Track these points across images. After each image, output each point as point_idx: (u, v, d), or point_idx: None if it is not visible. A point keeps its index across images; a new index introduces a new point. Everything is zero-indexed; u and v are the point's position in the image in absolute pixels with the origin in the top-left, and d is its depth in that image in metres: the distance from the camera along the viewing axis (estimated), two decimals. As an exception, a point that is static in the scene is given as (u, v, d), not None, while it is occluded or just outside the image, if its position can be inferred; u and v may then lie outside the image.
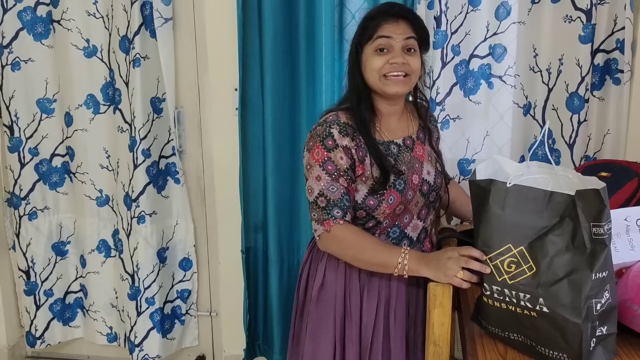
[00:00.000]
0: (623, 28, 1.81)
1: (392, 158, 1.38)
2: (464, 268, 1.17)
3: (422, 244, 1.46)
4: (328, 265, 1.42)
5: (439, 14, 1.89)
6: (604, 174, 1.67)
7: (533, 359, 1.11)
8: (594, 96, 1.90)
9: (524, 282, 1.07)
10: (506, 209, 1.11)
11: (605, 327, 1.05)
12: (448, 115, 2.00)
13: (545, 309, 1.04)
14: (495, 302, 1.12)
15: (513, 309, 1.10)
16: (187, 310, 2.38)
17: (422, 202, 1.41)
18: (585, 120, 1.89)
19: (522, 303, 1.07)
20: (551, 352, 1.06)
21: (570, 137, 1.91)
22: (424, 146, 1.46)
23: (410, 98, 1.47)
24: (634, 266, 1.20)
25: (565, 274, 1.02)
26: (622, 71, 1.84)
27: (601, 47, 1.86)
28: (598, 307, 1.01)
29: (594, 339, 1.02)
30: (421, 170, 1.41)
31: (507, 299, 1.10)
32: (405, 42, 1.34)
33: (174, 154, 2.21)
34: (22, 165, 2.27)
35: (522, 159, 2.01)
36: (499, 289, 1.10)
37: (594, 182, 1.03)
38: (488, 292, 1.13)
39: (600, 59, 1.87)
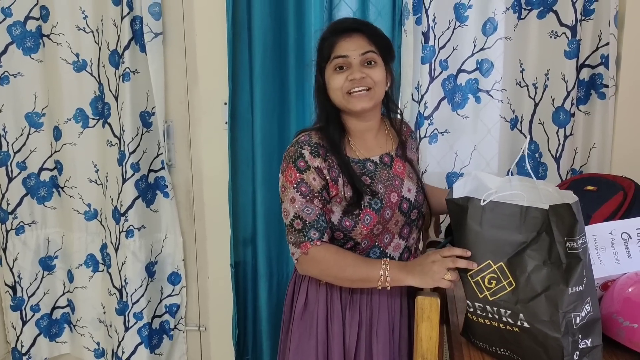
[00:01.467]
0: (607, 44, 1.84)
1: (368, 176, 1.36)
2: (449, 269, 1.17)
3: None
4: (310, 285, 1.42)
5: (427, 29, 1.91)
6: (589, 187, 1.68)
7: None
8: (580, 110, 1.92)
9: (504, 298, 1.07)
10: (484, 225, 1.11)
11: (590, 340, 1.05)
12: (436, 129, 2.01)
13: (526, 324, 1.05)
14: (479, 319, 1.13)
15: (496, 325, 1.10)
16: (175, 325, 2.36)
17: (402, 221, 1.39)
18: (571, 134, 1.91)
19: (504, 319, 1.08)
20: None
21: (557, 150, 1.93)
22: (404, 163, 1.45)
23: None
24: (620, 279, 1.20)
25: (542, 289, 1.03)
26: (607, 86, 1.86)
27: (586, 62, 1.89)
28: (577, 321, 1.01)
29: (577, 352, 1.03)
30: (401, 188, 1.40)
31: (490, 315, 1.10)
32: (362, 57, 1.33)
33: (163, 167, 2.21)
34: (10, 180, 2.26)
35: (510, 173, 2.02)
36: (481, 305, 1.11)
37: (569, 197, 1.04)
38: (472, 309, 1.13)
39: (585, 74, 1.90)
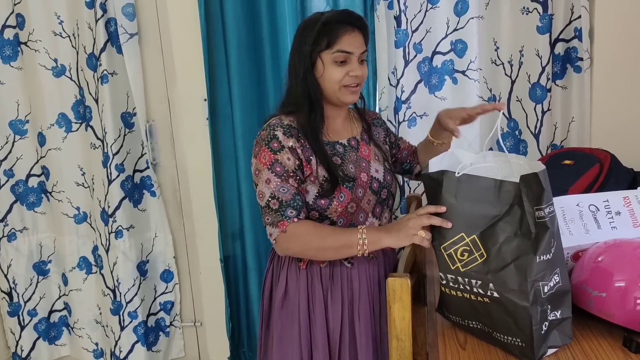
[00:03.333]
0: (580, 17, 1.83)
1: (338, 157, 1.39)
2: (424, 228, 1.19)
3: None
4: (289, 273, 1.43)
5: (398, 13, 1.91)
6: (567, 161, 1.69)
7: (492, 346, 1.12)
8: (557, 85, 1.92)
9: (475, 269, 1.08)
10: (459, 198, 1.13)
11: (560, 312, 1.06)
12: (414, 112, 2.02)
13: (495, 294, 1.06)
14: (452, 291, 1.14)
15: (468, 297, 1.11)
16: (171, 322, 2.38)
17: (374, 200, 1.42)
18: (549, 110, 1.91)
19: (475, 290, 1.09)
20: (506, 337, 1.07)
21: (536, 127, 1.94)
22: (369, 146, 1.48)
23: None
24: (590, 249, 1.21)
25: (512, 259, 1.04)
26: (582, 59, 1.86)
27: (560, 37, 1.89)
28: (546, 290, 1.03)
29: (546, 323, 1.04)
30: (369, 169, 1.42)
31: (462, 286, 1.11)
32: (360, 55, 1.38)
33: (148, 167, 2.23)
34: (-2, 188, 2.29)
35: (485, 149, 2.02)
36: (453, 277, 1.12)
37: (537, 166, 1.05)
38: (444, 281, 1.15)
39: (560, 48, 1.90)
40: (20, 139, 2.27)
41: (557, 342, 1.07)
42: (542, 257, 1.02)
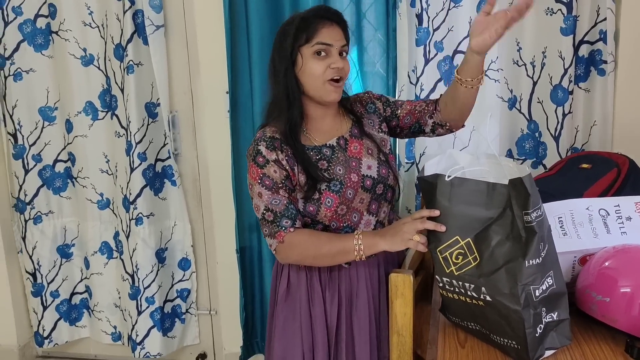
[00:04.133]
0: (605, 19, 1.80)
1: (325, 161, 1.38)
2: (419, 232, 1.19)
3: None
4: (291, 270, 1.46)
5: (420, 11, 1.91)
6: (584, 165, 1.66)
7: (491, 347, 1.12)
8: (580, 88, 1.89)
9: (468, 272, 1.08)
10: (452, 201, 1.12)
11: (556, 313, 1.06)
12: (433, 111, 2.01)
13: (488, 298, 1.06)
14: (448, 293, 1.14)
15: (463, 299, 1.11)
16: (187, 309, 2.43)
17: (368, 198, 1.41)
18: (570, 112, 1.88)
19: (469, 293, 1.09)
20: (502, 339, 1.07)
21: (556, 129, 1.91)
22: (361, 141, 1.45)
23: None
24: (597, 254, 1.20)
25: (503, 263, 1.04)
26: (606, 62, 1.83)
27: (585, 39, 1.86)
28: (537, 294, 1.02)
29: (541, 326, 1.03)
30: (359, 168, 1.40)
31: (457, 289, 1.12)
32: (341, 48, 1.37)
33: (169, 156, 2.28)
34: (27, 172, 2.37)
35: (510, 153, 2.01)
36: (448, 280, 1.12)
37: (523, 170, 1.05)
38: (441, 284, 1.15)
39: (584, 50, 1.87)
40: (48, 125, 2.34)
41: (555, 343, 1.06)
42: (531, 262, 1.01)
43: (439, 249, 1.14)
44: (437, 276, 1.15)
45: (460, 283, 1.10)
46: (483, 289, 1.06)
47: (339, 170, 1.38)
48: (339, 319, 1.43)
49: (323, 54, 1.35)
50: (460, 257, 1.10)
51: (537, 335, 1.03)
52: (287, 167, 1.34)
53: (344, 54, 1.39)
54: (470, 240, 1.09)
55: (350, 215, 1.39)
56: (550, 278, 1.04)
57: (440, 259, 1.13)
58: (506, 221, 1.05)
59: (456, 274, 1.10)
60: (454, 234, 1.12)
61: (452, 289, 1.13)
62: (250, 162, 1.36)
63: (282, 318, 1.46)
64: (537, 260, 1.01)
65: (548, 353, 1.06)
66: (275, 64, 1.39)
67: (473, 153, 1.19)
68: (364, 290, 1.43)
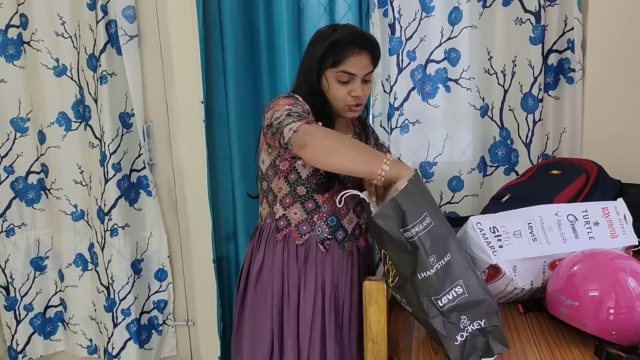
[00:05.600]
0: (572, 28, 1.84)
1: None
2: None
3: (357, 239, 1.51)
4: (268, 245, 1.47)
5: (393, 21, 1.93)
6: (555, 171, 1.69)
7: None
8: (550, 95, 1.93)
9: (396, 285, 1.13)
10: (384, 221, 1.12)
11: (484, 321, 1.08)
12: (407, 119, 2.04)
13: (409, 309, 1.12)
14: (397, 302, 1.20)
15: (407, 309, 1.16)
16: (164, 321, 2.41)
17: (357, 199, 1.46)
18: (540, 120, 1.92)
19: (403, 305, 1.15)
20: (439, 348, 1.10)
21: (527, 136, 1.95)
22: None
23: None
24: (566, 258, 1.22)
25: (408, 277, 1.08)
26: (574, 70, 1.87)
27: (554, 48, 1.90)
28: (443, 303, 1.05)
29: (463, 334, 1.06)
30: None
31: (399, 301, 1.17)
32: (365, 76, 1.41)
33: (144, 167, 2.26)
34: (-1, 183, 2.33)
35: (483, 160, 2.04)
36: (392, 292, 1.17)
37: (400, 186, 1.10)
38: (392, 294, 1.20)
39: (553, 59, 1.91)
40: (21, 136, 2.31)
41: (490, 351, 1.07)
42: (422, 275, 1.05)
43: (383, 259, 1.17)
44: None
45: (397, 296, 1.16)
46: (403, 300, 1.12)
47: None
48: (313, 305, 1.44)
49: (345, 80, 1.40)
50: (390, 271, 1.14)
51: (456, 343, 1.05)
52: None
53: (368, 80, 1.44)
54: (388, 254, 1.13)
55: (340, 208, 1.44)
56: (459, 287, 1.06)
57: (385, 269, 1.17)
58: (393, 237, 1.07)
59: (391, 285, 1.16)
60: (381, 247, 1.16)
61: (396, 299, 1.18)
62: (279, 99, 1.36)
63: (254, 300, 1.47)
64: (428, 272, 1.05)
65: None
66: (306, 71, 1.43)
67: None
68: (337, 282, 1.46)
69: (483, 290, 1.10)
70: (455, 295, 1.06)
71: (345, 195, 1.25)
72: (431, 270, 1.04)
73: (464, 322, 1.06)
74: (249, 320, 1.48)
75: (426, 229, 1.05)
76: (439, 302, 1.04)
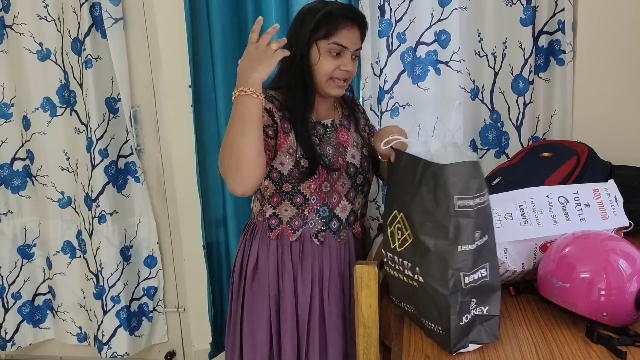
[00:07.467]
0: (563, 9, 1.83)
1: (317, 137, 1.42)
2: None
3: (352, 227, 1.49)
4: (261, 243, 1.45)
5: (382, 2, 1.90)
6: (545, 154, 1.69)
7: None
8: (540, 78, 1.92)
9: (407, 249, 1.10)
10: (398, 175, 1.15)
11: (487, 308, 1.07)
12: (397, 102, 2.02)
13: (421, 279, 1.07)
14: (391, 270, 1.17)
15: (401, 278, 1.13)
16: (154, 307, 2.40)
17: (349, 184, 1.45)
18: (531, 102, 1.91)
19: (406, 272, 1.11)
20: (431, 324, 1.09)
21: (517, 119, 1.94)
22: (349, 132, 1.50)
23: None
24: (557, 240, 1.22)
25: (433, 245, 1.04)
26: (564, 52, 1.86)
27: (544, 29, 1.89)
28: (467, 281, 1.03)
29: (467, 315, 1.05)
30: (345, 154, 1.45)
31: (397, 266, 1.14)
32: (355, 51, 1.40)
33: (132, 153, 2.23)
34: (-17, 171, 2.29)
35: (473, 143, 2.03)
36: (391, 255, 1.15)
37: (475, 157, 1.06)
38: (386, 259, 1.18)
39: (544, 40, 1.90)
40: (5, 122, 2.27)
41: (481, 338, 1.07)
42: (462, 248, 1.02)
43: (387, 221, 1.15)
44: (383, 250, 1.18)
45: (400, 260, 1.12)
46: (417, 268, 1.08)
47: (329, 150, 1.42)
48: (310, 298, 1.43)
49: (336, 53, 1.38)
50: (399, 232, 1.11)
51: (461, 324, 1.04)
52: (278, 123, 1.36)
53: (356, 57, 1.42)
54: (403, 214, 1.11)
55: (330, 196, 1.43)
56: (484, 270, 1.05)
57: (388, 232, 1.15)
58: (427, 201, 1.05)
59: (398, 250, 1.12)
60: (394, 206, 1.14)
61: (394, 265, 1.15)
62: None
63: (251, 297, 1.46)
64: (469, 246, 1.02)
65: (472, 347, 1.07)
66: (292, 44, 1.37)
67: (442, 141, 1.19)
68: (335, 273, 1.45)
69: (499, 279, 1.10)
70: (480, 276, 1.05)
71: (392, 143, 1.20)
72: (472, 245, 1.02)
73: (472, 304, 1.05)
74: (246, 315, 1.47)
75: (482, 204, 1.03)
76: (466, 278, 1.02)
